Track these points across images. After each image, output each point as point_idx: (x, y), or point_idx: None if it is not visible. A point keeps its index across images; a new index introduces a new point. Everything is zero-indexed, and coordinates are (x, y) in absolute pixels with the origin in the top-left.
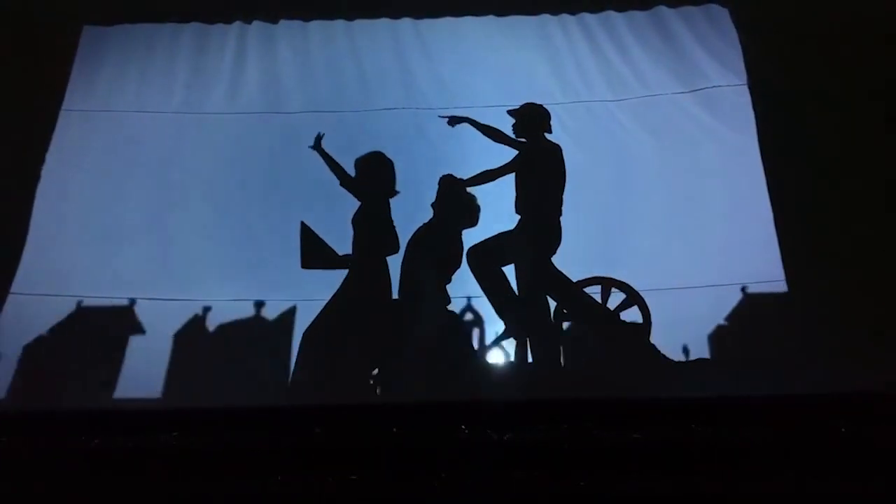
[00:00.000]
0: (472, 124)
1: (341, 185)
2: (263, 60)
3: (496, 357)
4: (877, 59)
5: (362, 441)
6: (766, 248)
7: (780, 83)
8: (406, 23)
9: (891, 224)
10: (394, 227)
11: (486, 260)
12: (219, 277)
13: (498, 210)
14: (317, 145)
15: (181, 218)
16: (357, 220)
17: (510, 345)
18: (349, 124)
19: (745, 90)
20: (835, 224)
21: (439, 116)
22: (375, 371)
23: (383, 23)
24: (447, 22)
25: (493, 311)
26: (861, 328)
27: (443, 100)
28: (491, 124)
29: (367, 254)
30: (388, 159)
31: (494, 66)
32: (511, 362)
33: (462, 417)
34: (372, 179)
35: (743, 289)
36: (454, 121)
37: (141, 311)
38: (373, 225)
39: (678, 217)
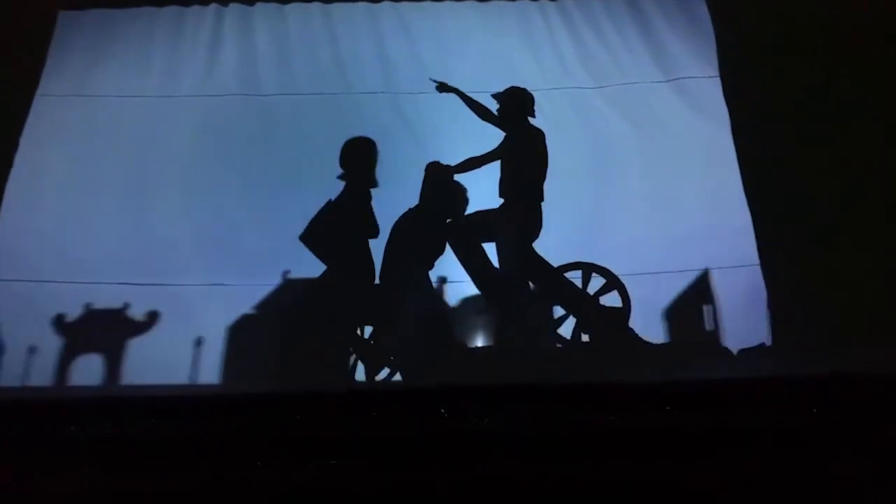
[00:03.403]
0: (459, 96)
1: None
2: (240, 43)
3: (476, 342)
4: (849, 51)
5: (342, 427)
6: (742, 233)
7: (753, 74)
8: (385, 7)
9: (862, 210)
10: (373, 213)
11: (467, 234)
12: (195, 262)
13: (484, 197)
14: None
15: (157, 202)
16: (337, 207)
17: (491, 328)
18: (328, 108)
19: (719, 80)
20: (807, 209)
21: (430, 79)
22: (355, 357)
23: (362, 6)
24: (427, 6)
25: (474, 297)
26: (834, 311)
27: (422, 84)
28: (472, 127)
29: (348, 239)
30: (374, 148)
31: (474, 52)
32: (491, 347)
33: (442, 402)
34: (357, 167)
35: (719, 273)
36: (443, 88)
37: (116, 297)
38: (354, 211)
39: (656, 203)
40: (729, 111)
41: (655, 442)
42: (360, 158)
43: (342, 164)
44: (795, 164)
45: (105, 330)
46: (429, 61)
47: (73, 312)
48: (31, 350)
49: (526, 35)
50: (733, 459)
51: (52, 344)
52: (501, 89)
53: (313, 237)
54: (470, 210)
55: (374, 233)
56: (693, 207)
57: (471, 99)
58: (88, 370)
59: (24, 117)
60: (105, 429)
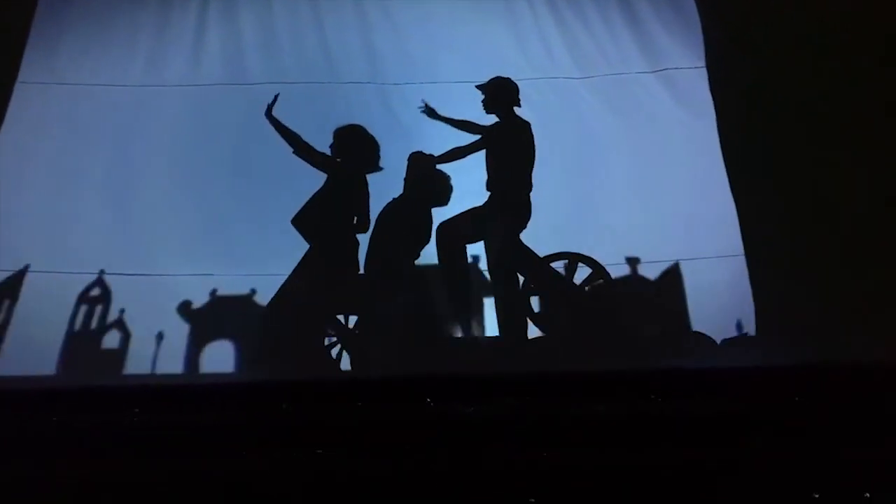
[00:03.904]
0: (445, 121)
1: (295, 153)
2: (226, 32)
3: (463, 332)
4: (835, 43)
5: (329, 416)
6: (726, 224)
7: (738, 64)
8: None
9: (846, 200)
10: (367, 205)
11: (456, 237)
12: (180, 252)
13: (468, 186)
14: (268, 113)
15: (142, 192)
16: (329, 194)
17: (476, 318)
18: (314, 97)
19: (705, 71)
20: (792, 200)
21: (420, 107)
22: (341, 346)
23: None
24: None
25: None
26: (818, 301)
27: (408, 75)
28: (458, 117)
29: (335, 229)
30: (370, 134)
31: (461, 42)
32: (478, 336)
33: (428, 391)
34: (352, 153)
35: (704, 262)
36: (430, 112)
37: (101, 286)
38: (346, 200)
39: (641, 193)
40: (714, 102)
41: (641, 430)
42: (355, 143)
43: (338, 150)
44: (780, 156)
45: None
46: (416, 52)
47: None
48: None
49: (513, 25)
50: (718, 448)
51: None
52: (487, 79)
53: (305, 221)
54: (453, 198)
55: (364, 227)
56: (678, 198)
57: (456, 121)
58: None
59: (6, 106)
60: (87, 419)
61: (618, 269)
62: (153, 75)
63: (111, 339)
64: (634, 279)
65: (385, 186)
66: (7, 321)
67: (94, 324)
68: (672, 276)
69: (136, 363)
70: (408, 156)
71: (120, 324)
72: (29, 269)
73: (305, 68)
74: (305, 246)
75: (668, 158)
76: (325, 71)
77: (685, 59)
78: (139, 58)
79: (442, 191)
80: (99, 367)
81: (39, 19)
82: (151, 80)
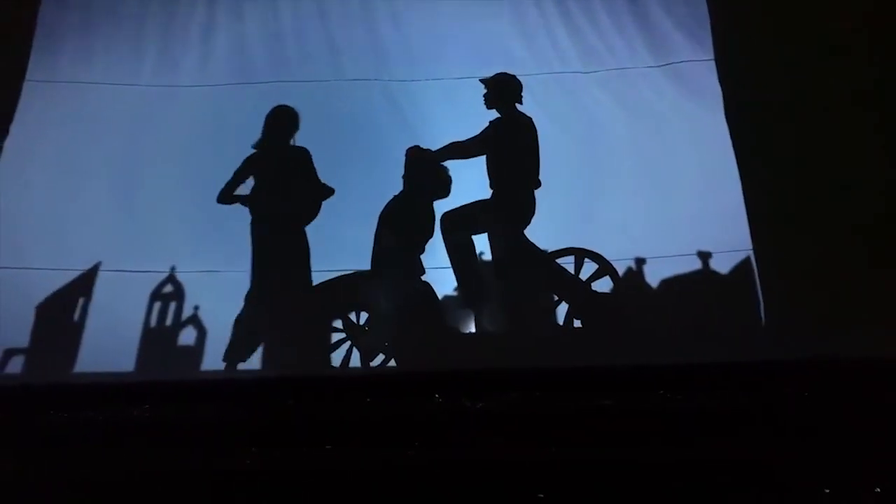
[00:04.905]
0: (437, 154)
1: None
2: (232, 29)
3: (470, 327)
4: (845, 36)
5: (336, 412)
6: (735, 218)
7: (747, 57)
8: None
9: (855, 195)
10: (316, 174)
11: (459, 227)
12: (187, 249)
13: (469, 179)
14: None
15: (149, 190)
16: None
17: (483, 314)
18: (319, 95)
19: (713, 65)
20: (801, 195)
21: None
22: (351, 342)
23: None
24: None
25: None
26: (826, 296)
27: (414, 71)
28: (464, 114)
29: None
30: (287, 109)
31: (466, 38)
32: (484, 332)
33: (436, 386)
34: (284, 135)
35: (711, 258)
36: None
37: (107, 283)
38: (304, 178)
39: (649, 188)
40: (723, 95)
41: (648, 425)
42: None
43: (282, 135)
44: (789, 150)
45: None
46: (422, 48)
47: None
48: None
49: (518, 20)
50: (725, 442)
51: None
52: (495, 73)
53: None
54: (454, 190)
55: (327, 192)
56: (686, 192)
57: (448, 150)
58: None
59: (15, 105)
60: (96, 415)
61: (624, 265)
62: (159, 73)
63: (115, 338)
64: (640, 276)
65: (392, 183)
66: None
67: (99, 322)
68: (680, 271)
69: (140, 360)
70: (405, 151)
71: (123, 321)
72: (34, 268)
73: (311, 66)
74: (315, 241)
75: (675, 153)
76: (330, 68)
77: (693, 53)
78: (145, 55)
79: (442, 183)
80: (104, 366)
81: (45, 16)
82: (158, 77)
